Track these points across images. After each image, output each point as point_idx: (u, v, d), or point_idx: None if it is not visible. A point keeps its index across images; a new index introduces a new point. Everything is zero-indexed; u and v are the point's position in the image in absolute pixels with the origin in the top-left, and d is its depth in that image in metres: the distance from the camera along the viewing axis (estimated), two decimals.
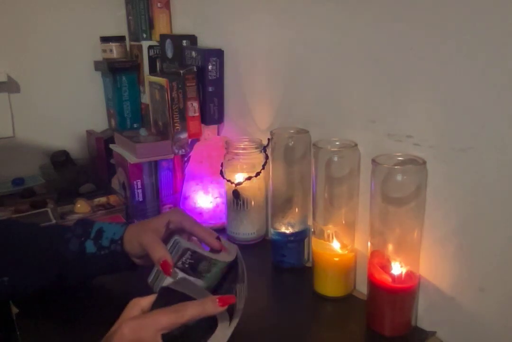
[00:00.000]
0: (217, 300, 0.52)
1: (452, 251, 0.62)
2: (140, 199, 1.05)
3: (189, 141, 1.08)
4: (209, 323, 0.53)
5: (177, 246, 0.61)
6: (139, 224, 0.71)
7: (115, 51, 1.29)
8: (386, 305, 0.65)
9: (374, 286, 0.66)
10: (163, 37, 1.20)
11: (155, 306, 0.52)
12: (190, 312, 0.50)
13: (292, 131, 0.81)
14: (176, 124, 1.04)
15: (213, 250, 0.65)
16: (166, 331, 0.49)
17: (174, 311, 0.50)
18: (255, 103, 0.99)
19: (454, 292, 0.63)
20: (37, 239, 0.70)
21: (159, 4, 1.22)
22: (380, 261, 0.64)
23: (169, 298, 0.52)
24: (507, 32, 0.51)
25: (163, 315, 0.49)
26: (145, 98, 1.24)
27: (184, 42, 1.13)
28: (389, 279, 0.64)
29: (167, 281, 0.58)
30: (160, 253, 0.60)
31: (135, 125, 1.29)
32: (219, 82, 1.06)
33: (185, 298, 0.53)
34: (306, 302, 0.76)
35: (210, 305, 0.51)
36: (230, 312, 0.54)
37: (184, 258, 0.60)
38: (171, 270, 0.58)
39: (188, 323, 0.50)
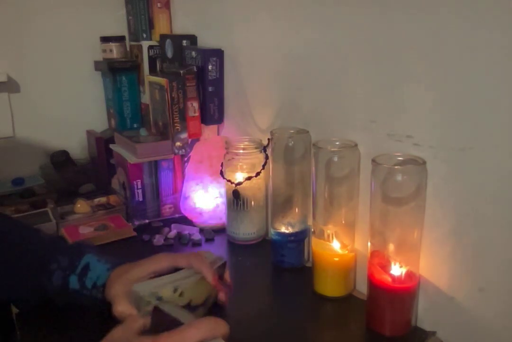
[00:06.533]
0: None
1: (452, 251, 0.62)
2: (140, 199, 1.05)
3: (189, 141, 1.08)
4: None
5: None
6: (122, 269, 0.65)
7: (115, 51, 1.29)
8: (386, 305, 0.65)
9: (374, 286, 0.66)
10: (163, 37, 1.20)
11: (151, 327, 0.51)
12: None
13: (292, 131, 0.81)
14: (176, 124, 1.04)
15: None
16: None
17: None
18: (255, 103, 0.99)
19: (454, 292, 0.63)
20: (22, 263, 0.66)
21: (159, 4, 1.22)
22: (380, 261, 0.64)
23: (160, 318, 0.51)
24: (506, 33, 0.51)
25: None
26: (145, 98, 1.24)
27: (184, 42, 1.13)
28: (389, 279, 0.64)
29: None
30: (122, 309, 0.59)
31: (135, 125, 1.29)
32: (219, 82, 1.06)
33: (173, 320, 0.51)
34: (306, 302, 0.76)
35: (223, 328, 0.49)
36: None
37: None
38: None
39: None
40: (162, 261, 0.64)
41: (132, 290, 0.60)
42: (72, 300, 0.66)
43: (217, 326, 0.49)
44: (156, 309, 0.52)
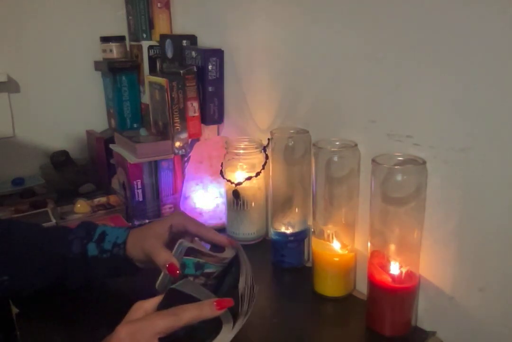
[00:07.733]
0: (215, 303, 0.51)
1: (452, 251, 0.62)
2: (140, 199, 1.05)
3: (189, 141, 1.08)
4: (214, 325, 0.53)
5: (182, 248, 0.61)
6: (142, 228, 0.70)
7: (115, 51, 1.29)
8: (386, 305, 0.65)
9: (374, 286, 0.66)
10: (163, 37, 1.20)
11: (160, 308, 0.52)
12: (187, 315, 0.49)
13: (292, 131, 0.81)
14: (176, 124, 1.04)
15: (216, 250, 0.65)
16: (164, 335, 0.48)
17: (172, 315, 0.49)
18: (255, 103, 0.98)
19: (454, 292, 0.63)
20: (39, 239, 0.70)
21: (159, 4, 1.22)
22: (380, 261, 0.64)
23: (174, 299, 0.52)
24: (506, 35, 0.51)
25: (160, 319, 0.49)
26: (145, 98, 1.24)
27: (184, 42, 1.13)
28: (389, 279, 0.64)
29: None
30: (164, 257, 0.60)
31: (135, 125, 1.29)
32: (219, 82, 1.06)
33: (190, 299, 0.52)
34: (306, 302, 0.76)
35: (207, 309, 0.51)
36: (236, 314, 0.54)
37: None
38: (178, 272, 0.58)
39: (192, 324, 0.50)
40: (177, 217, 0.70)
41: (182, 244, 0.61)
42: (90, 269, 0.68)
43: (205, 308, 0.51)
44: (171, 291, 0.53)
